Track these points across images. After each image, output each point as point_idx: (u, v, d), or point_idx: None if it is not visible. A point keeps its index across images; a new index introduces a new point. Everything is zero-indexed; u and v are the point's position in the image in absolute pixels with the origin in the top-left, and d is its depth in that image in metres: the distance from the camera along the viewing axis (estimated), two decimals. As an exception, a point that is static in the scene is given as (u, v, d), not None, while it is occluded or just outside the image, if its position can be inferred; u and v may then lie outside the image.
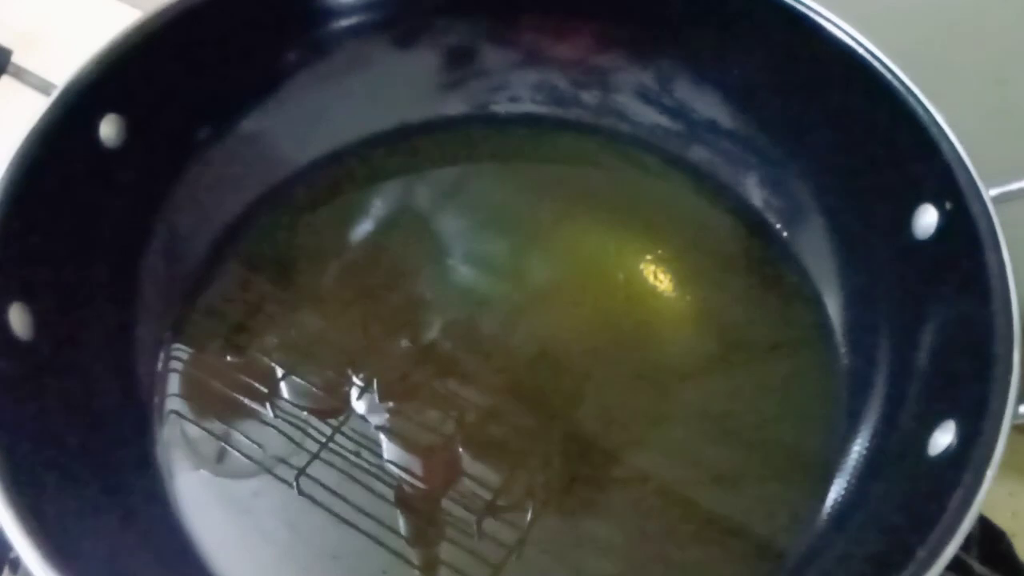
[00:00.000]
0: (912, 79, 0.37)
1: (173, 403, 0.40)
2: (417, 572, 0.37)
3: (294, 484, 0.38)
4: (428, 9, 0.46)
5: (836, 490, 0.38)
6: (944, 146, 0.36)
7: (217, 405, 0.40)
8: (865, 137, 0.40)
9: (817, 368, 0.41)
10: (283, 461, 0.39)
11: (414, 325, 0.42)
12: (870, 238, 0.41)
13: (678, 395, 0.40)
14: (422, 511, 0.38)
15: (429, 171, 0.47)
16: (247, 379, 0.41)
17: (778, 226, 0.44)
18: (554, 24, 0.46)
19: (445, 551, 0.37)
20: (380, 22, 0.45)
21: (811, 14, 0.39)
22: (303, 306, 0.43)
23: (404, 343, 0.41)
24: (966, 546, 0.33)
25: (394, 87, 0.46)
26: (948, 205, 0.36)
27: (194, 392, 0.40)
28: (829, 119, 0.41)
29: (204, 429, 0.40)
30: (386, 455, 0.39)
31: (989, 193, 0.35)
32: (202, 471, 0.39)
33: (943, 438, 0.33)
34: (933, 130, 0.36)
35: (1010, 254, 0.33)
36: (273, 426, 0.40)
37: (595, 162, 0.47)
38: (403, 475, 0.38)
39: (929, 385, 0.36)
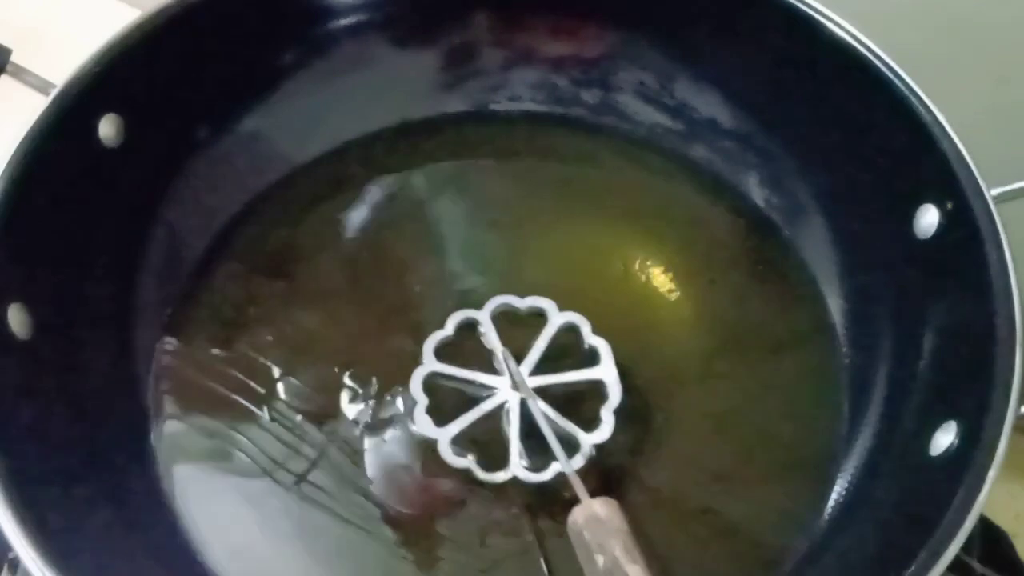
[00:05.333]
0: (913, 78, 0.37)
1: (172, 402, 0.40)
2: (417, 572, 0.37)
3: (293, 484, 0.38)
4: (428, 8, 0.46)
5: (837, 490, 0.38)
6: (945, 145, 0.36)
7: (216, 404, 0.40)
8: (866, 136, 0.40)
9: (818, 367, 0.41)
10: (282, 460, 0.39)
11: (413, 323, 0.42)
12: (871, 237, 0.41)
13: (678, 394, 0.40)
14: (421, 507, 0.38)
15: (428, 169, 0.46)
16: (246, 377, 0.40)
17: (779, 225, 0.44)
18: (554, 23, 0.46)
19: (445, 550, 0.37)
20: (380, 22, 0.45)
21: (812, 13, 0.39)
22: (302, 304, 0.42)
23: (403, 341, 0.41)
24: (967, 547, 0.33)
25: (393, 86, 0.46)
26: (949, 204, 0.36)
27: (193, 391, 0.40)
28: (830, 118, 0.41)
29: (203, 429, 0.39)
30: (389, 450, 0.39)
31: (991, 192, 0.35)
32: (201, 471, 0.39)
33: (944, 438, 0.33)
34: (934, 129, 0.36)
35: (1012, 253, 0.33)
36: (272, 425, 0.40)
37: (595, 161, 0.47)
38: (403, 475, 0.38)
39: (930, 385, 0.36)
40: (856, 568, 0.35)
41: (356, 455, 0.39)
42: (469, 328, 0.40)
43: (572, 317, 0.39)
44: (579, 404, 0.38)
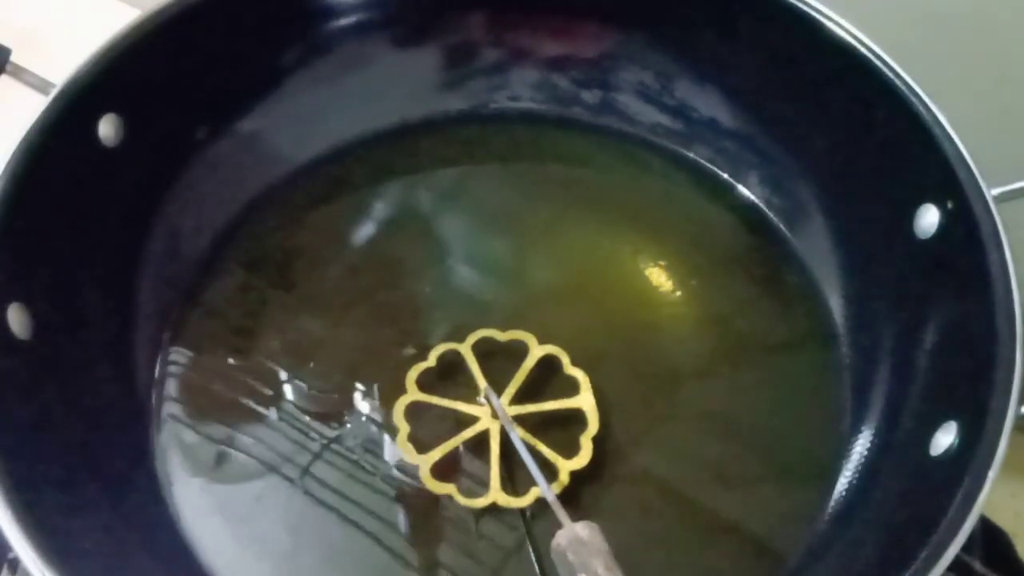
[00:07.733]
0: (914, 78, 0.37)
1: (172, 406, 0.40)
2: (416, 574, 0.37)
3: (295, 488, 0.38)
4: (428, 7, 0.46)
5: (838, 490, 0.38)
6: (946, 145, 0.36)
7: (216, 408, 0.40)
8: (866, 136, 0.40)
9: (818, 368, 0.41)
10: (283, 465, 0.39)
11: (414, 326, 0.42)
12: (871, 238, 0.41)
13: (679, 395, 0.40)
14: (422, 511, 0.38)
15: (429, 170, 0.46)
16: (246, 382, 0.40)
17: (779, 225, 0.44)
18: (554, 23, 0.46)
19: (444, 552, 0.37)
20: (380, 21, 0.45)
21: (812, 13, 0.39)
22: (303, 307, 0.42)
23: (404, 344, 0.41)
24: (968, 547, 0.33)
25: (394, 86, 0.46)
26: (950, 204, 0.36)
27: (193, 394, 0.40)
28: (830, 118, 0.41)
29: (202, 433, 0.39)
30: (387, 457, 0.39)
31: (991, 192, 0.35)
32: (200, 472, 0.39)
33: (945, 438, 0.33)
34: (935, 129, 0.36)
35: (1012, 254, 0.33)
36: (271, 430, 0.40)
37: (595, 161, 0.47)
38: (404, 477, 0.38)
39: (931, 385, 0.36)
40: (857, 568, 0.35)
41: (363, 450, 0.39)
42: (451, 357, 0.40)
43: (551, 349, 0.40)
44: (558, 431, 0.38)
